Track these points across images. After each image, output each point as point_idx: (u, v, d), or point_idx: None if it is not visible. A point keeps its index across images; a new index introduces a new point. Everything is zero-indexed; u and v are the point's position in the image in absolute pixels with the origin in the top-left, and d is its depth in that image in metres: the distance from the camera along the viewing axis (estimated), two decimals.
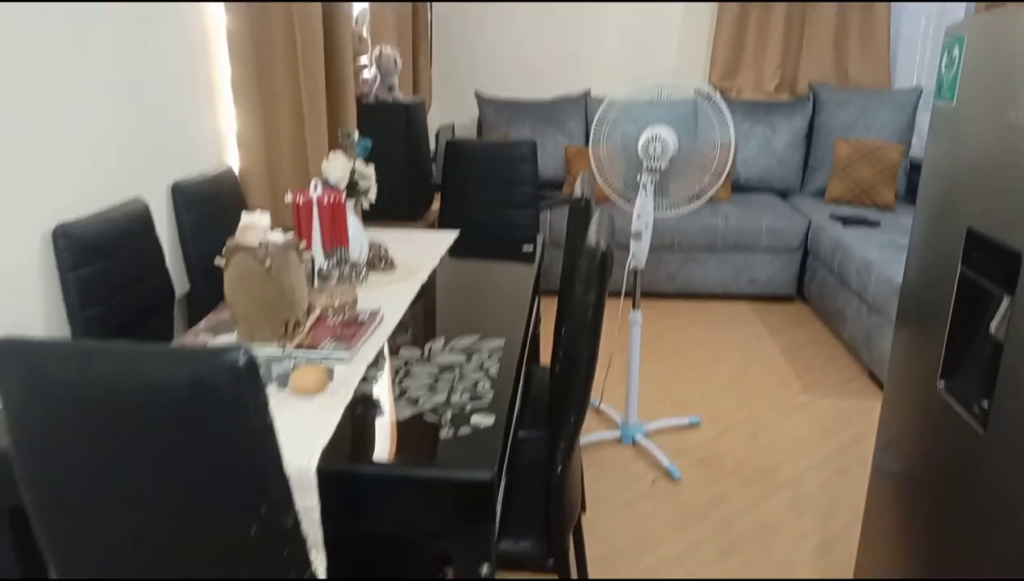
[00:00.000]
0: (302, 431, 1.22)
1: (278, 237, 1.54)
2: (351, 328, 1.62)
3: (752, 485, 2.66)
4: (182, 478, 0.94)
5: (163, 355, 0.91)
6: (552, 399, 1.78)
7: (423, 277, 2.03)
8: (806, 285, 4.41)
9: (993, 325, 0.94)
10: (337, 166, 1.88)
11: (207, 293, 2.01)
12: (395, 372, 1.45)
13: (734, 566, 2.25)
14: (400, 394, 1.36)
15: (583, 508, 2.52)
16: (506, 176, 2.87)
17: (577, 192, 2.02)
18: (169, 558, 0.99)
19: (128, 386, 0.91)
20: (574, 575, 1.84)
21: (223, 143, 2.39)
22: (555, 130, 4.84)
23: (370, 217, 2.44)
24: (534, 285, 2.00)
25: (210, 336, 1.56)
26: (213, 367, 0.90)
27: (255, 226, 1.51)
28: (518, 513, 1.61)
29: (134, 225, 1.78)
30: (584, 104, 4.93)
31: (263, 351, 1.50)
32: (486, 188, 2.89)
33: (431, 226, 3.21)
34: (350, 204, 1.97)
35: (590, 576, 2.21)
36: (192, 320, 1.73)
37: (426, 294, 1.92)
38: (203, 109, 2.26)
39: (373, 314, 1.69)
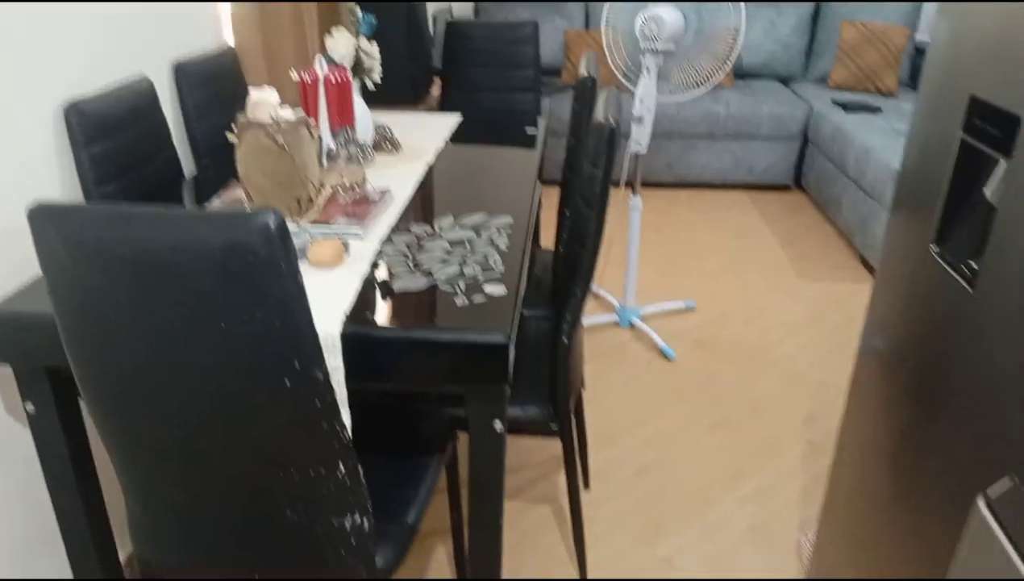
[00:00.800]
0: (324, 299, 1.28)
1: (289, 113, 1.56)
2: (362, 206, 1.65)
3: (744, 365, 2.77)
4: (219, 336, 1.00)
5: (198, 218, 0.95)
6: (556, 277, 1.84)
7: (428, 159, 2.05)
8: (804, 173, 4.42)
9: (988, 189, 0.98)
10: (341, 43, 1.87)
11: (213, 175, 2.02)
12: (408, 247, 1.50)
13: (725, 438, 2.38)
14: (414, 267, 1.41)
15: (582, 385, 2.64)
16: (508, 59, 2.83)
17: (583, 72, 2.01)
18: (208, 413, 1.07)
19: (164, 248, 0.96)
20: (575, 444, 1.95)
21: (221, 22, 2.35)
22: (554, 13, 4.72)
23: (371, 101, 2.42)
24: (538, 167, 2.02)
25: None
26: (247, 229, 0.94)
27: (265, 102, 1.52)
28: (525, 384, 1.70)
29: (141, 104, 1.78)
30: None
31: None
32: (487, 72, 2.86)
33: (432, 110, 3.20)
34: (355, 84, 1.96)
35: (589, 446, 2.34)
36: (200, 201, 1.76)
37: (432, 175, 1.94)
38: None
39: (383, 193, 1.72)
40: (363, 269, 1.40)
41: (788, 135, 4.36)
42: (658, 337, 2.90)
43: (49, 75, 1.57)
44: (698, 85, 2.73)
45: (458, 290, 1.32)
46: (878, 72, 4.46)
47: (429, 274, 1.38)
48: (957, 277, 1.03)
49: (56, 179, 1.59)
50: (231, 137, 1.53)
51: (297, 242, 1.43)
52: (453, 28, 2.85)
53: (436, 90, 3.28)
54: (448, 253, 1.47)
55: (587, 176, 1.52)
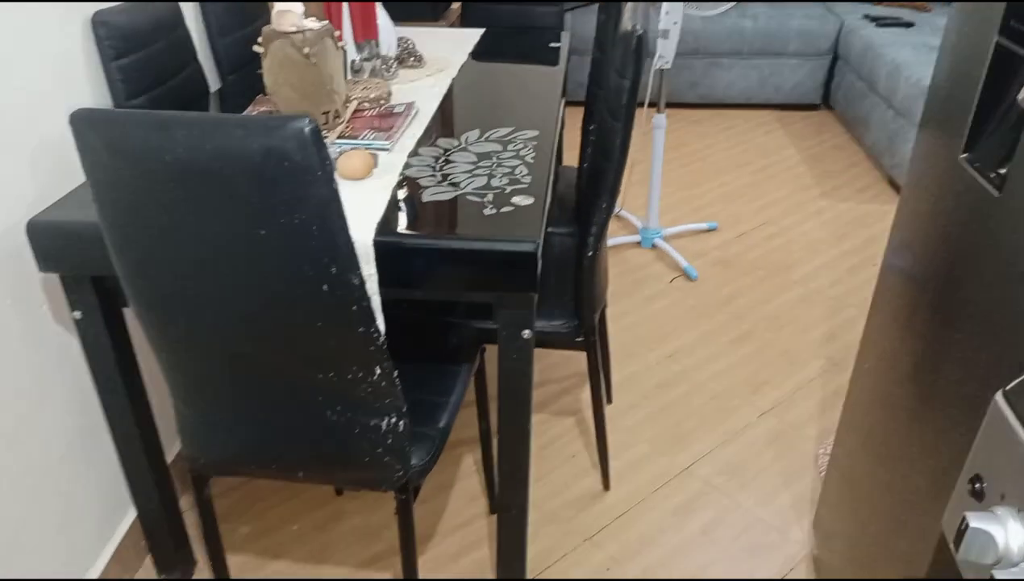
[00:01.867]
0: (355, 209, 1.31)
1: (314, 24, 1.55)
2: (388, 120, 1.66)
3: (765, 283, 2.79)
4: (258, 240, 1.03)
5: (235, 123, 0.97)
6: (581, 194, 1.85)
7: (452, 73, 2.03)
8: (833, 92, 4.33)
9: (1022, 96, 0.97)
10: None
11: (239, 90, 2.02)
12: (435, 160, 1.51)
13: (745, 353, 2.42)
14: (442, 178, 1.43)
15: (606, 301, 2.67)
16: None
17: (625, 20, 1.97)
18: (250, 315, 1.11)
19: (203, 154, 0.98)
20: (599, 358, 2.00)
21: None
22: None
23: (392, 16, 2.38)
24: (563, 82, 2.00)
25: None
26: (283, 134, 0.96)
27: (290, 12, 1.51)
28: (551, 298, 1.73)
29: (165, 16, 1.78)
30: None
31: None
32: None
33: (453, 26, 3.14)
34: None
35: (612, 361, 2.39)
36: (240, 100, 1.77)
37: (457, 90, 1.94)
38: None
39: (408, 106, 1.73)
40: (392, 181, 1.42)
41: (817, 52, 4.25)
42: (680, 257, 2.91)
43: None
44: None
45: (486, 200, 1.34)
46: None
47: (457, 185, 1.40)
48: (985, 183, 1.03)
49: (87, 92, 1.60)
50: (257, 48, 1.53)
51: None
52: None
53: (457, 4, 3.22)
54: (475, 165, 1.49)
55: (614, 88, 1.52)
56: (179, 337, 1.17)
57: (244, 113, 1.68)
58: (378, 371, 1.17)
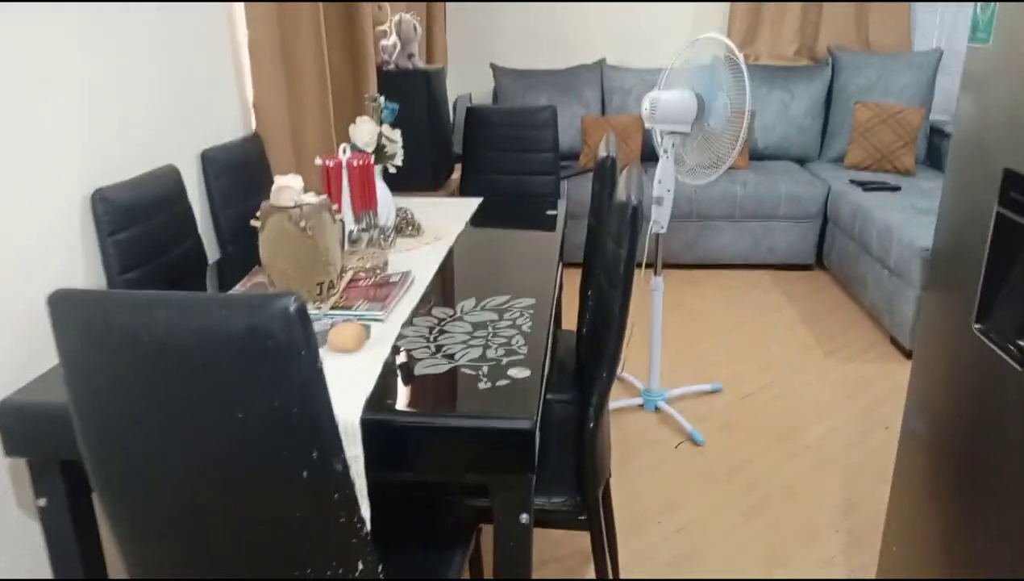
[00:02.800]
0: (344, 384, 1.25)
1: (312, 198, 1.56)
2: (383, 289, 1.64)
3: (776, 448, 2.68)
4: (235, 424, 0.97)
5: (219, 302, 0.93)
6: (580, 359, 1.80)
7: (450, 241, 2.05)
8: (826, 253, 4.39)
9: None
10: (365, 130, 1.90)
11: (238, 261, 2.03)
12: (430, 330, 1.47)
13: (760, 527, 2.28)
14: (436, 350, 1.38)
15: (609, 472, 2.55)
16: (527, 142, 2.88)
17: (602, 152, 2.02)
18: (221, 505, 1.02)
19: (185, 333, 0.94)
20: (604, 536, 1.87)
21: (248, 110, 2.41)
22: (571, 99, 4.83)
23: (392, 186, 2.45)
24: (560, 248, 2.01)
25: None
26: (267, 313, 0.92)
27: (289, 188, 1.53)
28: (550, 471, 1.64)
29: (168, 191, 1.81)
30: (600, 72, 4.91)
31: None
32: (507, 155, 2.90)
33: (452, 195, 3.23)
34: (377, 169, 1.98)
35: (617, 536, 2.24)
36: (224, 287, 1.76)
37: (454, 258, 1.94)
38: (228, 76, 2.27)
39: (404, 276, 1.71)
40: (383, 352, 1.37)
41: (807, 215, 4.36)
42: (685, 421, 2.82)
43: (78, 165, 1.60)
44: (715, 167, 2.74)
45: (481, 373, 1.29)
46: (895, 152, 4.49)
47: (451, 357, 1.35)
48: (1006, 357, 0.98)
49: (80, 266, 1.59)
50: (255, 222, 1.53)
51: (318, 327, 1.41)
52: (473, 113, 2.91)
53: (456, 174, 3.33)
54: (470, 336, 1.45)
55: (610, 256, 1.50)
56: (143, 522, 1.07)
57: (238, 285, 1.66)
58: (360, 566, 1.06)
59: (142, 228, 1.69)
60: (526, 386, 1.24)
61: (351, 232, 1.84)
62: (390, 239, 1.93)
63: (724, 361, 3.35)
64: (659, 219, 2.76)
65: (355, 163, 1.79)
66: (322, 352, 1.38)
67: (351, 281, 1.68)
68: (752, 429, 2.80)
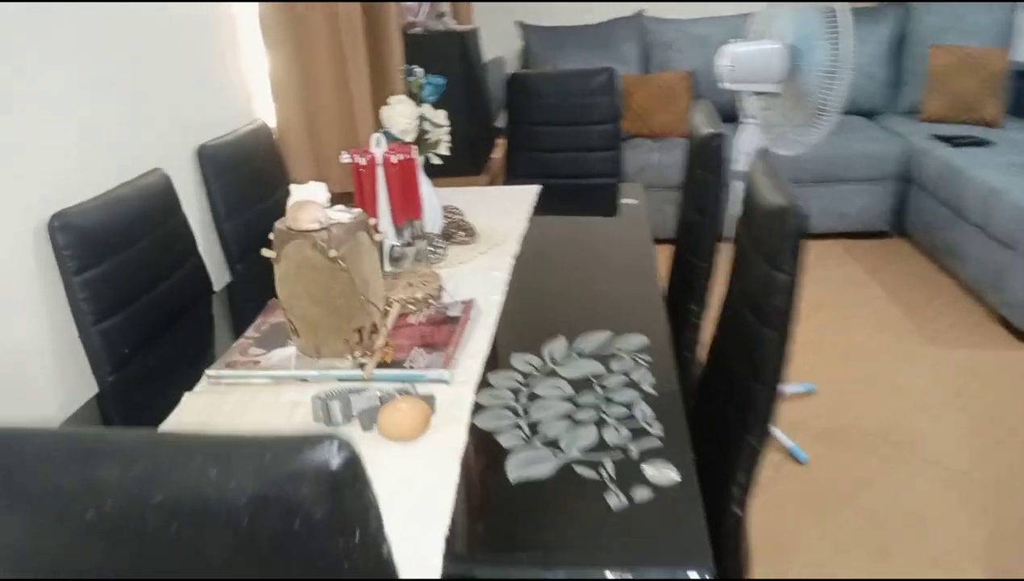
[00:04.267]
0: (404, 504, 0.85)
1: (341, 213, 1.15)
2: (442, 328, 1.24)
3: (893, 464, 2.27)
4: None
5: (207, 450, 0.53)
6: (702, 405, 1.40)
7: (512, 248, 1.63)
8: (908, 218, 3.92)
9: None
10: (401, 113, 1.48)
11: (251, 282, 1.64)
12: (515, 394, 1.07)
13: (891, 571, 1.88)
14: (531, 431, 0.98)
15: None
16: (583, 112, 2.44)
17: (702, 127, 1.59)
18: None
19: (148, 504, 0.54)
20: None
21: (250, 94, 1.99)
22: (608, 57, 4.34)
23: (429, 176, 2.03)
24: (654, 254, 1.59)
25: (262, 353, 1.19)
26: (291, 473, 0.52)
27: (310, 203, 1.12)
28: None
29: (152, 205, 1.40)
30: (639, 26, 4.41)
31: (336, 374, 1.12)
32: (560, 130, 2.46)
33: (494, 179, 2.80)
34: (419, 162, 1.57)
35: None
36: (238, 320, 1.37)
37: (523, 273, 1.52)
38: (224, 55, 1.85)
39: (467, 307, 1.31)
40: (457, 438, 0.97)
41: (882, 175, 3.88)
42: (781, 433, 2.41)
43: (36, 179, 1.20)
44: (808, 131, 2.29)
45: (605, 476, 0.89)
46: (978, 100, 3.98)
47: (555, 445, 0.95)
48: None
49: (43, 316, 1.20)
50: (268, 253, 1.13)
51: (362, 402, 1.01)
52: (517, 81, 2.47)
53: (498, 153, 2.89)
54: (574, 402, 1.04)
55: (762, 282, 1.08)
56: None
57: (251, 328, 1.26)
58: None
59: (120, 259, 1.29)
60: (682, 501, 0.84)
61: (392, 249, 1.44)
62: (440, 251, 1.52)
63: (809, 351, 2.93)
64: (745, 148, 2.32)
65: (394, 158, 1.37)
66: (370, 437, 0.99)
67: (399, 317, 1.28)
68: (859, 440, 2.39)
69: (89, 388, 1.22)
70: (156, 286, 1.37)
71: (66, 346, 1.26)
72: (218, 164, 1.69)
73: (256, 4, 1.88)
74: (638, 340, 1.20)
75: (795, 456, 2.34)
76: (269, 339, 1.23)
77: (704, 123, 1.58)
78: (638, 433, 0.96)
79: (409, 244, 1.44)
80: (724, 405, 1.20)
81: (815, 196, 3.97)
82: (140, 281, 1.33)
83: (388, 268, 1.44)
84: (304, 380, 1.12)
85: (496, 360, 1.18)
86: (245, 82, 1.97)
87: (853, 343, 3.00)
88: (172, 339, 1.35)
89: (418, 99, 1.54)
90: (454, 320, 1.26)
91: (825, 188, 3.96)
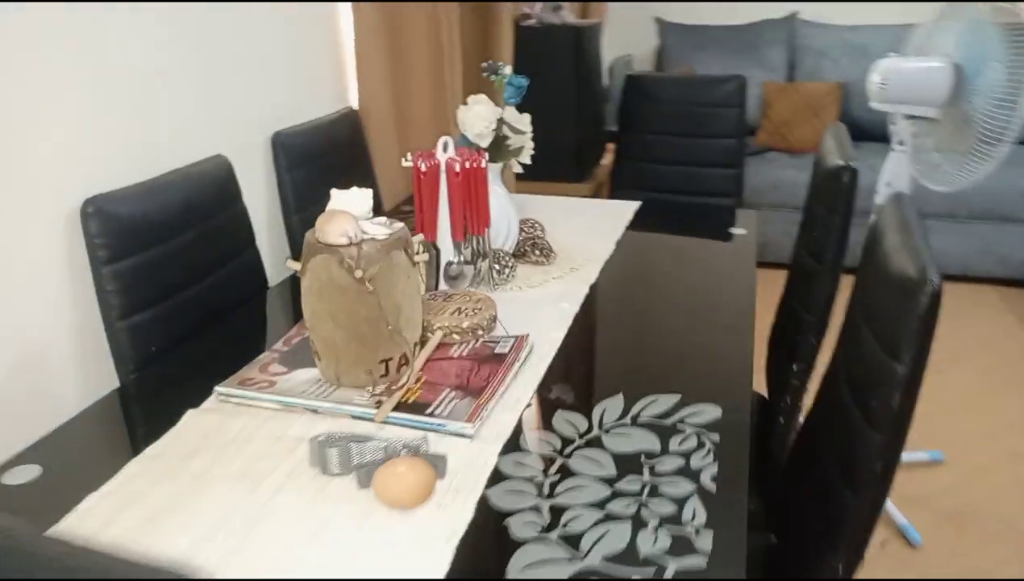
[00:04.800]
0: None
1: (378, 228, 1.01)
2: (484, 367, 1.08)
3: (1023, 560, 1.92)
4: None
5: None
6: (783, 498, 1.16)
7: (591, 274, 1.45)
8: None
9: None
10: (479, 115, 1.32)
11: None
12: (544, 468, 0.90)
13: None
14: (550, 521, 0.81)
15: None
16: (705, 124, 2.20)
17: (832, 156, 1.34)
18: None
19: None
20: None
21: (339, 81, 1.90)
22: (751, 62, 4.02)
23: (520, 177, 1.89)
24: (754, 300, 1.36)
25: (283, 373, 1.08)
26: None
27: (342, 214, 0.99)
28: None
29: (204, 193, 1.32)
30: (790, 29, 4.06)
31: (350, 409, 0.99)
32: (676, 140, 2.24)
33: (599, 188, 2.60)
34: (495, 169, 1.41)
35: None
36: (291, 319, 1.27)
37: (595, 307, 1.34)
38: (312, 39, 1.76)
39: (519, 344, 1.14)
40: (459, 520, 0.81)
41: None
42: (893, 507, 2.10)
43: (74, 161, 1.13)
44: (970, 163, 1.95)
45: None
46: None
47: (574, 545, 0.77)
48: None
49: (65, 308, 1.14)
50: (291, 265, 1.00)
51: (365, 453, 0.87)
52: (635, 83, 2.26)
53: (607, 160, 2.70)
54: (611, 486, 0.86)
55: (872, 365, 0.85)
56: None
57: (279, 342, 1.15)
58: None
59: (159, 250, 1.22)
60: None
61: (448, 266, 1.29)
62: (507, 271, 1.36)
63: (941, 413, 2.56)
64: (892, 181, 2.03)
65: (457, 166, 1.22)
66: (365, 498, 0.84)
67: (439, 347, 1.13)
68: (987, 525, 2.04)
69: (111, 384, 1.15)
70: (200, 280, 1.29)
71: (91, 338, 1.20)
72: (293, 153, 1.60)
73: None
74: (711, 413, 0.99)
75: (906, 536, 2.03)
76: (295, 356, 1.11)
77: (834, 151, 1.33)
78: (681, 544, 0.77)
79: (468, 262, 1.29)
80: (808, 508, 0.98)
81: (972, 234, 3.53)
82: (179, 274, 1.25)
83: (443, 286, 1.30)
84: (316, 412, 1.00)
85: (535, 418, 1.01)
86: (335, 68, 1.88)
87: (994, 408, 2.60)
88: (213, 337, 1.27)
89: (500, 99, 1.38)
90: (499, 358, 1.10)
91: (985, 226, 3.51)
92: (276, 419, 0.99)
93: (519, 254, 1.47)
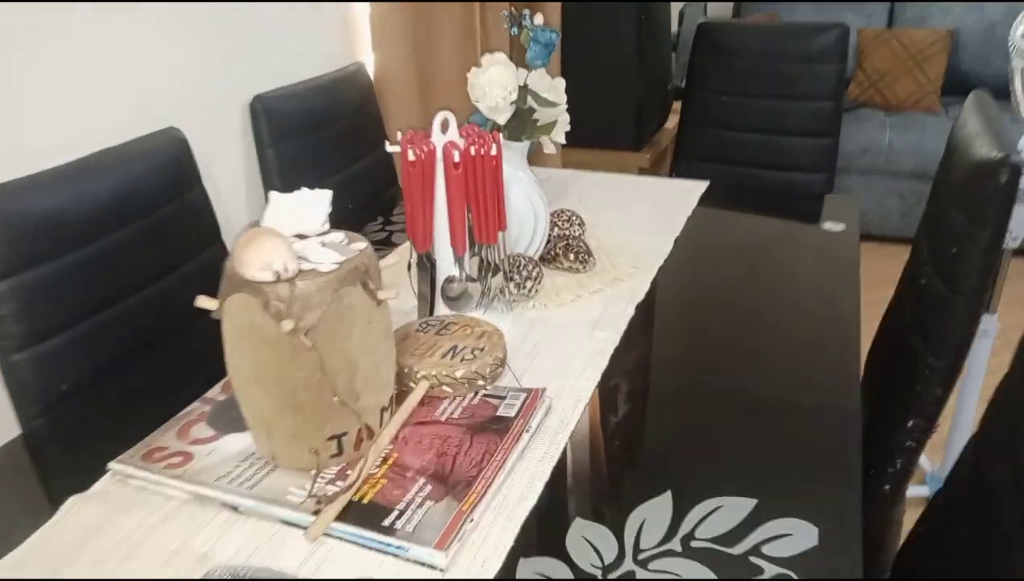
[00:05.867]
0: None
1: (328, 252, 0.71)
2: (477, 442, 0.78)
3: None
4: None
5: None
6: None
7: (640, 287, 1.12)
8: None
9: None
10: (494, 81, 1.00)
11: None
12: None
13: None
14: None
15: None
16: (794, 83, 1.81)
17: (978, 138, 0.96)
18: None
19: None
20: None
21: (352, 31, 1.58)
22: (843, 7, 3.52)
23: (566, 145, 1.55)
24: (857, 336, 1.02)
25: (209, 437, 0.80)
26: None
27: (268, 233, 0.69)
28: None
29: (149, 178, 1.04)
30: None
31: (280, 513, 0.71)
32: (756, 102, 1.86)
33: (659, 159, 2.22)
34: (518, 150, 1.09)
35: None
36: None
37: (642, 335, 1.02)
38: None
39: (530, 401, 0.83)
40: None
41: None
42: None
43: None
44: None
45: None
46: None
47: None
48: None
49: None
50: (204, 302, 0.71)
51: None
52: (708, 32, 1.88)
53: (672, 123, 2.31)
54: None
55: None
56: None
57: (221, 384, 0.87)
58: None
59: (83, 254, 0.95)
60: None
61: (445, 285, 0.98)
62: (530, 285, 1.04)
63: None
64: (1015, 229, 1.62)
65: (456, 154, 0.90)
66: None
67: (423, 403, 0.83)
68: None
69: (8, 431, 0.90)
70: (137, 292, 1.02)
71: None
72: (279, 121, 1.31)
73: None
74: (800, 537, 0.67)
75: None
76: (229, 413, 0.83)
77: (981, 135, 0.95)
78: None
79: (474, 279, 0.98)
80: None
81: None
82: (104, 287, 0.97)
83: (439, 313, 0.99)
84: (235, 510, 0.72)
85: (544, 522, 0.71)
86: (338, 14, 1.56)
87: None
88: (149, 369, 1.00)
89: (524, 59, 1.05)
90: (502, 425, 0.80)
91: None
92: (183, 515, 0.72)
93: (548, 258, 1.15)
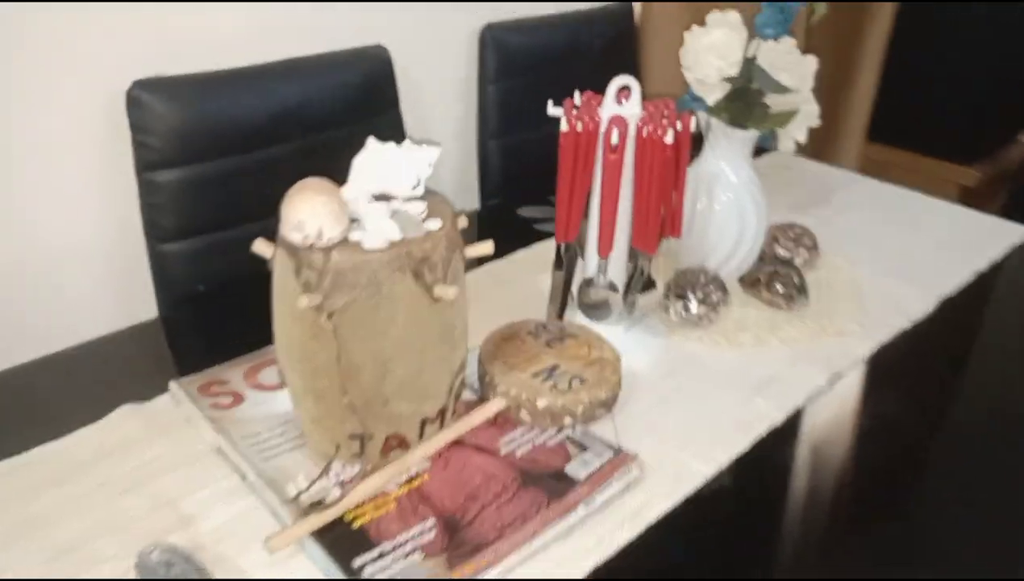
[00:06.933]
0: None
1: (392, 225, 0.59)
2: (524, 496, 0.62)
3: None
4: None
5: None
6: None
7: (851, 354, 0.84)
8: None
9: None
10: (712, 49, 0.77)
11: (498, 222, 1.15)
12: None
13: None
14: None
15: None
16: None
17: None
18: None
19: None
20: None
21: None
22: None
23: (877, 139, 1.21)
24: None
25: (268, 386, 0.74)
26: None
27: (316, 185, 0.59)
28: None
29: (337, 92, 1.00)
30: None
31: (270, 498, 0.62)
32: None
33: (997, 181, 1.69)
34: (744, 140, 0.85)
35: None
36: None
37: (821, 424, 0.76)
38: None
39: (609, 466, 0.65)
40: None
41: None
42: None
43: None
44: None
45: None
46: None
47: None
48: None
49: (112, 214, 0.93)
50: (261, 246, 0.63)
51: None
52: None
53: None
54: None
55: None
56: None
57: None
58: None
59: (246, 159, 0.93)
60: None
61: (587, 285, 0.80)
62: (702, 311, 0.82)
63: None
64: None
65: (615, 136, 0.70)
66: None
67: (494, 422, 0.69)
68: None
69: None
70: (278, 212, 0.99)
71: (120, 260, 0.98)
72: (509, 55, 1.19)
73: None
74: None
75: None
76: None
77: None
78: None
79: (615, 289, 0.79)
80: None
81: None
82: (251, 194, 0.95)
83: (580, 318, 0.82)
84: (243, 479, 0.65)
85: None
86: None
87: None
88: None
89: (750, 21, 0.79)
90: (563, 485, 0.63)
91: None
92: (198, 465, 0.67)
93: (747, 282, 0.91)
